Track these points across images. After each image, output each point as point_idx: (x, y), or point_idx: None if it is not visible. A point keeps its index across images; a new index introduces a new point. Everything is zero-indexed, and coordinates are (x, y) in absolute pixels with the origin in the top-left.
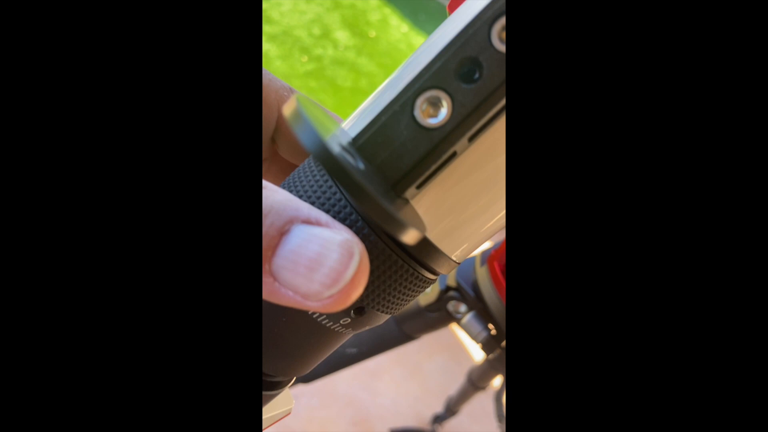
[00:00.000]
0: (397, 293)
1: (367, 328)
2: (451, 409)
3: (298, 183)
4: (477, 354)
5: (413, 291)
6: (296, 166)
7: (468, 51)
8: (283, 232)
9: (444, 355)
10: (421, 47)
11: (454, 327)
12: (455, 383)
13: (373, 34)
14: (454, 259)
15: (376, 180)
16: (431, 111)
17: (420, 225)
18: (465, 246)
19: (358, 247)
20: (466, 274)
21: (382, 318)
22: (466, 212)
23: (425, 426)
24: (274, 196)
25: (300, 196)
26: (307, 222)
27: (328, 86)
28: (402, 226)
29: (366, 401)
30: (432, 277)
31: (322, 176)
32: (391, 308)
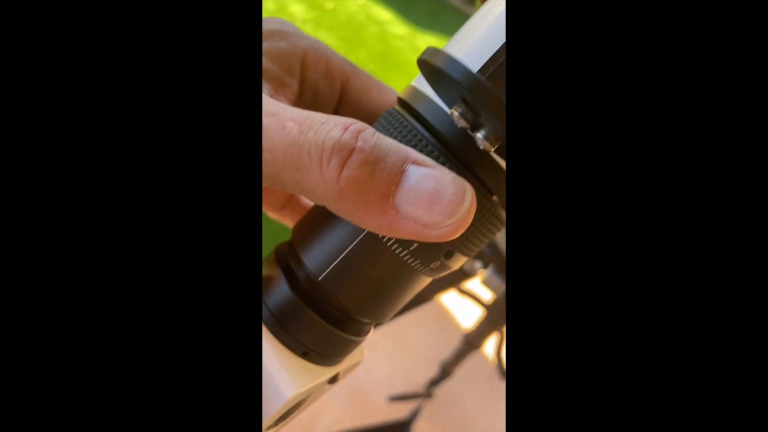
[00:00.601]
0: (480, 234)
1: (447, 272)
2: (445, 371)
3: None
4: (465, 321)
5: (491, 232)
6: None
7: None
8: (402, 171)
9: (431, 325)
10: None
11: (440, 299)
12: (444, 351)
13: (330, 6)
14: None
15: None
16: None
17: None
18: None
19: (467, 184)
20: None
21: (461, 261)
22: None
23: (420, 391)
24: (386, 140)
25: None
26: (417, 163)
27: None
28: None
29: (360, 377)
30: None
31: (409, 130)
32: (471, 250)
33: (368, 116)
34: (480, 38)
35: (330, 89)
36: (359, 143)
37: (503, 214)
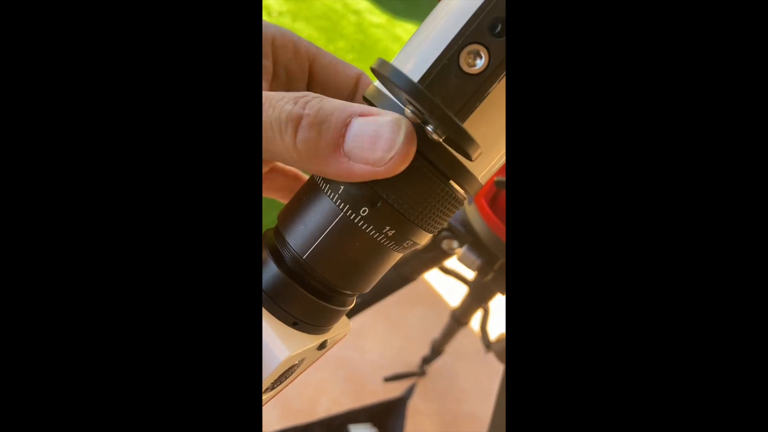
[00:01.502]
0: (439, 212)
1: (412, 246)
2: (436, 350)
3: None
4: (452, 299)
5: (450, 210)
6: None
7: (497, 12)
8: (347, 124)
9: (422, 306)
10: (449, 8)
11: (428, 279)
12: (435, 330)
13: None
14: (480, 181)
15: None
16: (472, 60)
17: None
18: (486, 170)
19: (404, 121)
20: (455, 215)
21: (427, 238)
22: (489, 143)
23: (414, 370)
24: (331, 102)
25: None
26: (362, 115)
27: None
28: (473, 143)
29: (355, 359)
30: (464, 195)
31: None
32: (433, 227)
33: (336, 90)
34: (421, 50)
35: (300, 69)
36: (306, 110)
37: (461, 194)
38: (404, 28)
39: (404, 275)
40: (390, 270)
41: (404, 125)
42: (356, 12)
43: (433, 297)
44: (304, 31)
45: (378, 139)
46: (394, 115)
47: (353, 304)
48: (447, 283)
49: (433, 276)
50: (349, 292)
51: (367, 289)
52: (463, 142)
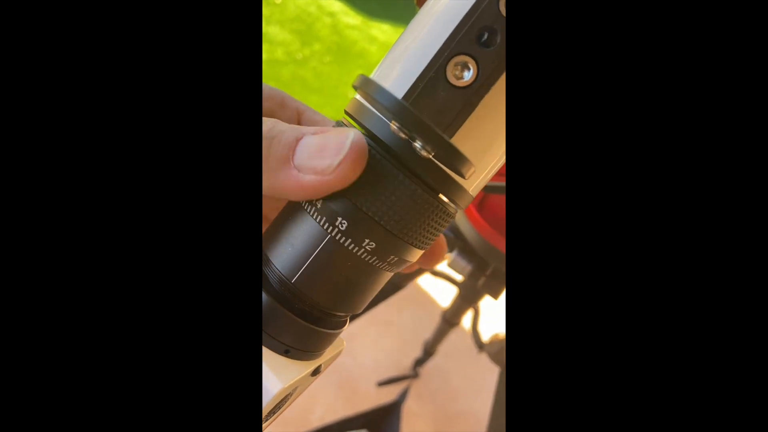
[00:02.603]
0: (430, 228)
1: (406, 266)
2: (428, 351)
3: None
4: (443, 299)
5: (440, 225)
6: None
7: (484, 20)
8: (298, 139)
9: (413, 308)
10: (433, 11)
11: (418, 281)
12: (427, 331)
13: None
14: (471, 193)
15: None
16: (459, 72)
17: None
18: (478, 182)
19: (350, 130)
20: None
21: (418, 255)
22: (480, 154)
23: (407, 372)
24: (284, 125)
25: None
26: (315, 133)
27: None
28: (466, 161)
29: (348, 364)
30: (454, 209)
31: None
32: (425, 243)
33: None
34: (405, 63)
35: (288, 120)
36: (263, 131)
37: (451, 208)
38: (380, 29)
39: (394, 282)
40: None
41: (352, 133)
42: (331, 14)
43: (424, 298)
44: (279, 35)
45: (326, 147)
46: (341, 129)
47: (347, 325)
48: (437, 284)
49: (422, 277)
50: (341, 314)
51: (361, 309)
52: (455, 160)
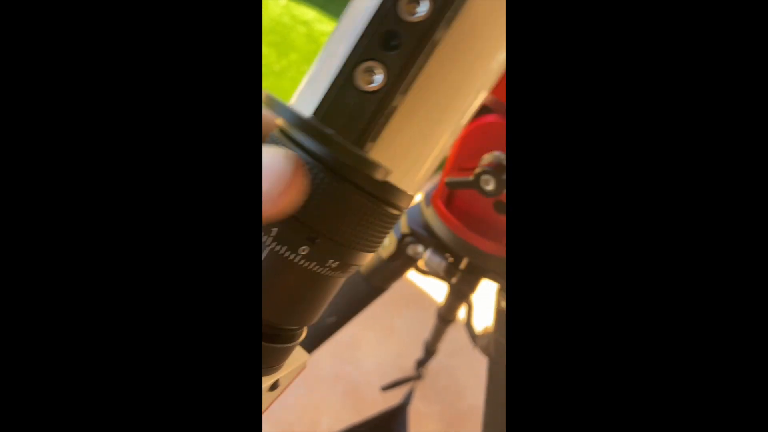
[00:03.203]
0: (373, 231)
1: (354, 269)
2: (429, 351)
3: None
4: (439, 296)
5: (384, 228)
6: None
7: (387, 26)
8: None
9: (411, 308)
10: (340, 26)
11: (413, 279)
12: (427, 329)
13: None
14: (410, 193)
15: (343, 140)
16: (368, 78)
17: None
18: (418, 178)
19: (279, 152)
20: (415, 219)
21: (367, 258)
22: (413, 150)
23: (411, 374)
24: None
25: None
26: None
27: None
28: (377, 166)
29: (351, 372)
30: (397, 212)
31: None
32: (370, 245)
33: None
34: (315, 79)
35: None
36: None
37: (392, 211)
38: None
39: (376, 286)
40: (361, 282)
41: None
42: (305, 23)
43: (420, 296)
44: None
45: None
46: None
47: (303, 336)
48: (434, 282)
49: (416, 275)
50: (295, 327)
51: (315, 320)
52: (365, 167)
